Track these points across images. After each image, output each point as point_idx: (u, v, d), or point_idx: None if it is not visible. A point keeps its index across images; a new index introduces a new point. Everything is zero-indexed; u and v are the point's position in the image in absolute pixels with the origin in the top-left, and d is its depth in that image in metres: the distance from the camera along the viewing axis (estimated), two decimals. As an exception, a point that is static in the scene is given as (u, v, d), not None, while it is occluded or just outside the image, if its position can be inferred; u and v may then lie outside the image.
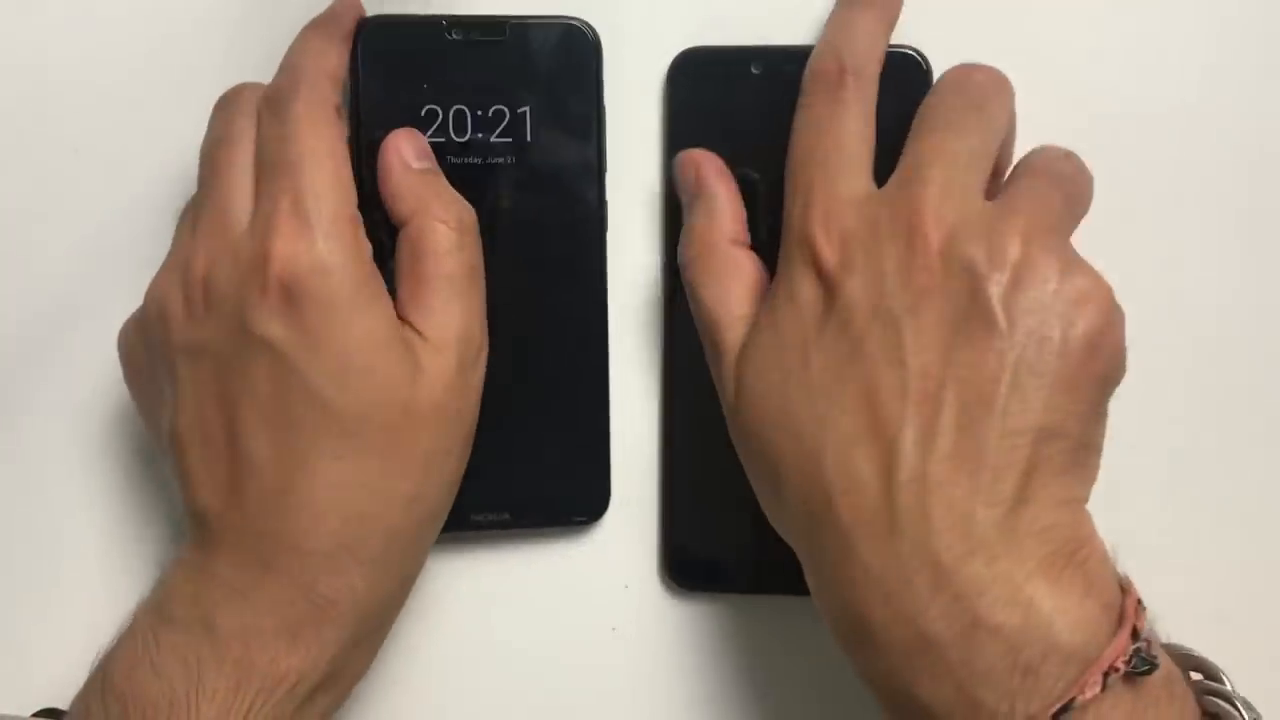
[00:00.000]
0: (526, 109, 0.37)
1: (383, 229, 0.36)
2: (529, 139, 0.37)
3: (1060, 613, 0.29)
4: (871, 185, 0.33)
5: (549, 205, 0.38)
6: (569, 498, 0.39)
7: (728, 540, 0.39)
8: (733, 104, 0.38)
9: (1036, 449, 0.30)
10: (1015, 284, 0.30)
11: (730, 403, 0.34)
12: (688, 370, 0.38)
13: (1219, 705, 0.30)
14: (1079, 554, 0.30)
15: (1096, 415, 0.31)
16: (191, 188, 0.36)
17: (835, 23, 0.36)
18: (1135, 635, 0.29)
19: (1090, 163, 0.34)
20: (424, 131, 0.37)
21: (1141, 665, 0.28)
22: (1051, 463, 0.30)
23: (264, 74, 0.35)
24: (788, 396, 0.32)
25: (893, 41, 0.36)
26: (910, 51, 0.37)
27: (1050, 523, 0.30)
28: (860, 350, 0.31)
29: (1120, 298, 0.31)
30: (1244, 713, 0.30)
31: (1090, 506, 0.31)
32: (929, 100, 0.34)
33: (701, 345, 0.36)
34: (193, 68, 0.39)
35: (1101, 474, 0.32)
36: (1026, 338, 0.30)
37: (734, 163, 0.37)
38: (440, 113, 0.37)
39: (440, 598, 0.40)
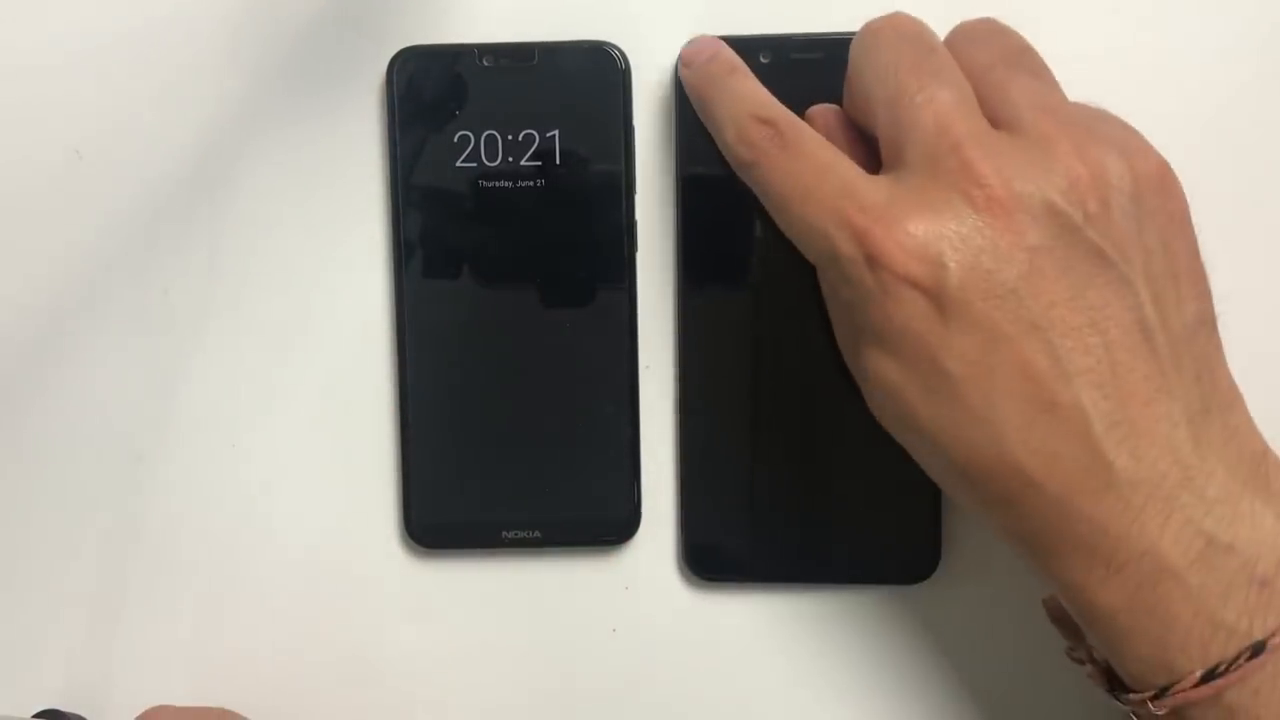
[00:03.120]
0: (555, 132, 0.38)
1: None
2: (558, 162, 0.38)
3: None
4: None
5: (578, 227, 0.38)
6: (599, 518, 0.39)
7: (748, 531, 0.39)
8: None
9: (1196, 342, 0.31)
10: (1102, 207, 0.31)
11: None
12: (701, 371, 0.39)
13: None
14: (1267, 458, 0.31)
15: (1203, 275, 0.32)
16: (193, 188, 0.36)
17: None
18: None
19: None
20: (457, 157, 0.38)
21: None
22: (1210, 354, 0.31)
23: (264, 74, 0.36)
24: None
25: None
26: None
27: (1235, 425, 0.31)
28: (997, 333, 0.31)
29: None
30: None
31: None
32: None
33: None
34: (193, 68, 0.39)
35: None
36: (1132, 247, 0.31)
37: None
38: (472, 138, 0.38)
39: (440, 600, 0.40)
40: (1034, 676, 0.39)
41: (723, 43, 0.37)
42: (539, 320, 0.38)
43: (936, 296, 0.30)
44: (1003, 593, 0.39)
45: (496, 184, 0.38)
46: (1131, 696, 0.31)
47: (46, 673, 0.40)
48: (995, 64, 0.33)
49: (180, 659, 0.41)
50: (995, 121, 0.32)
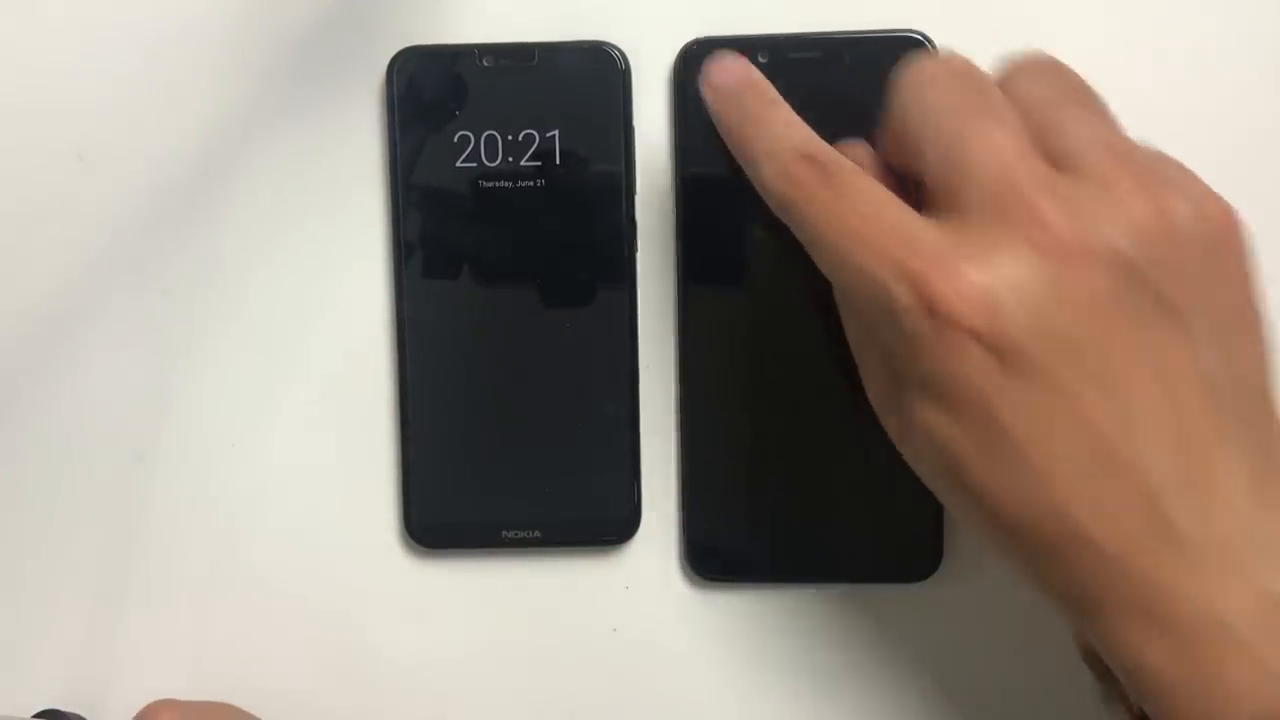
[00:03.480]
0: (555, 133, 0.38)
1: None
2: (558, 162, 0.38)
3: None
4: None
5: (578, 228, 0.38)
6: (599, 518, 0.39)
7: (749, 531, 0.39)
8: None
9: (1258, 396, 0.30)
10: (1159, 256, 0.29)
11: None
12: (701, 371, 0.39)
13: None
14: None
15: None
16: (193, 188, 0.36)
17: None
18: None
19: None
20: (457, 157, 0.38)
21: None
22: (1271, 407, 0.30)
23: (265, 74, 0.36)
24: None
25: (897, 25, 0.36)
26: (915, 35, 0.37)
27: None
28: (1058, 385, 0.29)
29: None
30: None
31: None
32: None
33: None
34: (194, 69, 0.39)
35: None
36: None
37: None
38: (472, 138, 0.38)
39: (440, 600, 0.40)
40: (1034, 676, 0.39)
41: (752, 66, 0.35)
42: (539, 320, 0.38)
43: (996, 347, 0.29)
44: (1003, 593, 0.39)
45: (496, 184, 0.38)
46: None
47: (46, 673, 0.41)
48: (1051, 101, 0.31)
49: (180, 660, 0.41)
50: (1054, 162, 0.30)
